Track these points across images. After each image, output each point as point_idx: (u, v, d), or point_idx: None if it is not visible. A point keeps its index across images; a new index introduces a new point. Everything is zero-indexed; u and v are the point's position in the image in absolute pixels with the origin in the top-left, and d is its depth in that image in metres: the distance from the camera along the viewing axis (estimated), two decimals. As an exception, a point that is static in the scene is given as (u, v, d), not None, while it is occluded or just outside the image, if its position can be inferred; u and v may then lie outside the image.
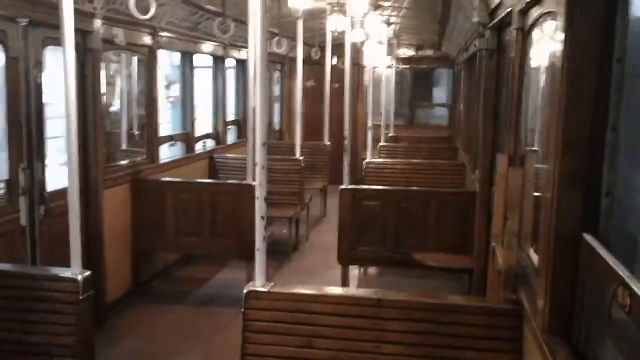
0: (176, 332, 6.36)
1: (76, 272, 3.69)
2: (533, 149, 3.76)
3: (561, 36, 2.57)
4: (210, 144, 10.19)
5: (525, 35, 4.00)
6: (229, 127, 10.89)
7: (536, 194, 3.39)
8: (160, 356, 5.79)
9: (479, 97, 7.01)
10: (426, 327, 3.36)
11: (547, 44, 3.40)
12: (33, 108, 5.34)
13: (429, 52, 15.33)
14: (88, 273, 3.72)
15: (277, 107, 14.37)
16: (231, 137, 11.09)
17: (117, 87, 7.06)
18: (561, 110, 2.54)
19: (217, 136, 10.30)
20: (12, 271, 3.99)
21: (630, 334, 2.05)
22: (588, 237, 2.44)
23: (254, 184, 4.91)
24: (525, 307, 3.13)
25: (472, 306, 3.43)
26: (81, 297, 3.63)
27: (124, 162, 7.11)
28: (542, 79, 3.55)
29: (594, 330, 2.46)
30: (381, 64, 13.08)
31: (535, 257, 3.24)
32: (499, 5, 4.95)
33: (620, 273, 2.02)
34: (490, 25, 5.56)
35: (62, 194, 5.04)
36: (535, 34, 3.86)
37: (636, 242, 2.28)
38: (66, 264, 3.76)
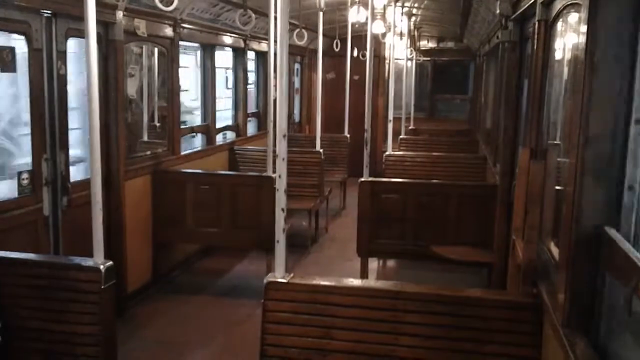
0: (196, 322, 6.40)
1: (98, 261, 3.72)
2: (555, 142, 3.74)
3: (584, 28, 2.55)
4: (230, 135, 10.23)
5: (548, 27, 3.96)
6: (249, 118, 10.91)
7: (557, 188, 3.37)
8: (180, 346, 5.83)
9: (500, 90, 6.96)
10: (445, 320, 3.36)
11: (570, 36, 3.37)
12: (56, 99, 5.40)
13: (450, 44, 15.25)
14: (110, 263, 3.76)
15: (297, 99, 14.37)
16: (251, 129, 11.12)
17: (138, 78, 7.10)
18: (583, 103, 2.52)
19: (237, 128, 10.33)
20: (36, 260, 4.04)
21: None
22: (609, 231, 2.43)
23: (273, 175, 4.93)
24: (544, 301, 3.12)
25: (491, 299, 3.42)
26: (103, 287, 3.67)
27: (144, 154, 7.16)
28: (565, 71, 3.53)
29: (614, 324, 2.44)
30: (402, 56, 13.03)
31: (555, 251, 3.22)
32: (522, -3, 4.91)
33: (642, 267, 2.01)
34: (513, 16, 5.51)
35: (84, 184, 5.09)
36: (559, 26, 3.83)
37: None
38: (87, 254, 3.80)
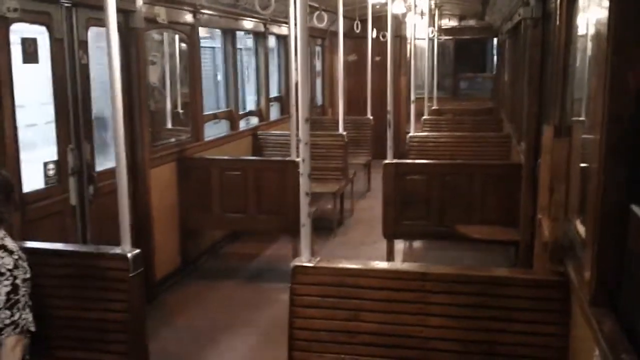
0: (225, 307, 6.47)
1: (126, 249, 3.76)
2: (579, 119, 3.70)
3: (606, 3, 2.51)
4: (253, 120, 10.25)
5: (570, 2, 3.91)
6: (272, 103, 10.92)
7: (583, 165, 3.34)
8: (210, 331, 5.90)
9: (523, 67, 6.89)
10: (472, 300, 3.36)
11: (593, 11, 3.32)
12: (79, 89, 5.44)
13: (472, 22, 15.08)
14: (137, 250, 3.80)
15: (318, 82, 14.34)
16: (274, 114, 11.13)
17: (159, 65, 7.14)
18: (607, 78, 2.49)
19: (260, 113, 10.35)
20: (64, 250, 4.09)
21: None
22: (635, 208, 2.40)
23: (297, 160, 4.94)
24: (571, 279, 3.10)
25: (518, 278, 3.41)
26: (131, 274, 3.71)
27: (169, 141, 7.20)
28: (589, 47, 3.48)
29: (642, 301, 2.43)
30: (423, 36, 12.92)
31: (581, 229, 3.20)
32: (544, -28, 4.84)
33: (669, 243, 1.99)
34: (535, -7, 5.45)
35: (110, 173, 5.14)
36: (581, 1, 3.78)
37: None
38: (115, 242, 3.85)
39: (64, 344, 3.75)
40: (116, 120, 3.76)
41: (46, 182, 5.23)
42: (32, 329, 3.37)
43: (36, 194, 5.08)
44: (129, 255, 3.73)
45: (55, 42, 5.20)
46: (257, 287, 7.03)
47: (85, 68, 5.51)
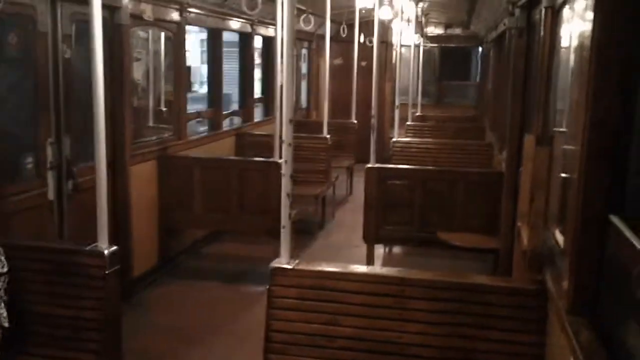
0: (203, 307, 6.43)
1: (102, 246, 3.73)
2: (561, 129, 3.72)
3: (590, 15, 2.53)
4: (237, 121, 10.22)
5: (555, 13, 3.94)
6: (256, 104, 10.89)
7: (563, 175, 3.36)
8: (187, 330, 5.86)
9: (507, 76, 6.93)
10: (450, 306, 3.36)
11: (576, 23, 3.34)
12: (61, 83, 5.39)
13: (457, 31, 15.19)
14: (114, 247, 3.77)
15: (304, 85, 14.33)
16: (258, 115, 11.10)
17: (144, 62, 7.09)
18: (589, 89, 2.51)
19: (244, 113, 10.31)
20: (40, 246, 4.05)
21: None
22: (614, 218, 2.42)
23: (280, 161, 4.93)
24: (549, 287, 3.12)
25: (496, 286, 3.42)
26: (107, 272, 3.68)
27: (151, 138, 7.16)
28: (572, 58, 3.50)
29: (618, 311, 2.44)
30: (409, 42, 12.96)
31: (560, 238, 3.21)
32: (530, -17, 4.87)
33: (646, 254, 2.00)
34: (520, 3, 5.47)
35: (90, 168, 5.08)
36: (565, 13, 3.80)
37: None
38: (93, 238, 3.81)
39: (38, 341, 3.71)
40: (97, 115, 3.74)
41: (24, 176, 5.16)
42: (6, 324, 3.33)
43: (12, 187, 5.01)
44: (106, 252, 3.70)
45: (38, 35, 5.14)
46: (236, 288, 7.00)
47: (68, 62, 5.46)
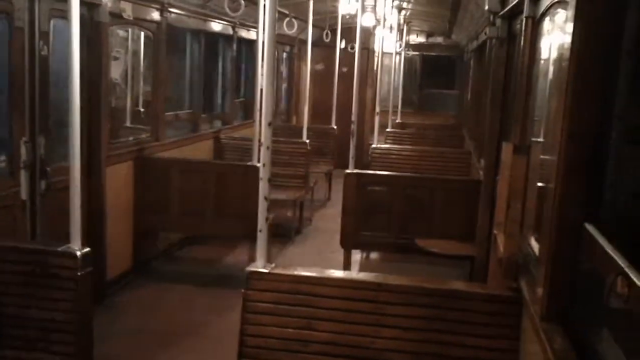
0: (177, 311, 6.37)
1: (75, 247, 3.68)
2: (538, 139, 3.74)
3: (570, 27, 2.54)
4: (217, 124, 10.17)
5: (535, 24, 3.96)
6: (237, 107, 10.86)
7: (540, 184, 3.38)
8: (160, 335, 5.80)
9: (487, 86, 6.96)
10: (426, 312, 3.36)
11: (556, 34, 3.36)
12: (37, 80, 5.31)
13: (439, 39, 15.28)
14: (87, 249, 3.72)
15: (284, 89, 14.31)
16: (238, 118, 11.06)
17: (122, 62, 7.04)
18: (567, 100, 2.52)
19: (224, 116, 10.26)
20: (11, 246, 3.98)
21: (627, 323, 2.05)
22: (589, 227, 2.43)
23: (259, 165, 4.90)
24: (524, 294, 3.13)
25: (472, 292, 3.42)
26: (79, 273, 3.62)
27: (127, 139, 7.08)
28: (550, 69, 3.52)
29: (592, 318, 2.45)
30: (391, 50, 13.01)
31: (536, 246, 3.23)
32: (511, -7, 4.90)
33: (620, 262, 2.01)
34: (501, 13, 5.50)
35: (64, 168, 5.02)
36: (546, 24, 3.83)
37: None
38: (67, 239, 3.76)
39: (7, 343, 3.66)
40: (73, 114, 3.69)
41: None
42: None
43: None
44: (78, 253, 3.65)
45: (14, 31, 5.06)
46: (212, 292, 6.94)
47: (45, 59, 5.38)
